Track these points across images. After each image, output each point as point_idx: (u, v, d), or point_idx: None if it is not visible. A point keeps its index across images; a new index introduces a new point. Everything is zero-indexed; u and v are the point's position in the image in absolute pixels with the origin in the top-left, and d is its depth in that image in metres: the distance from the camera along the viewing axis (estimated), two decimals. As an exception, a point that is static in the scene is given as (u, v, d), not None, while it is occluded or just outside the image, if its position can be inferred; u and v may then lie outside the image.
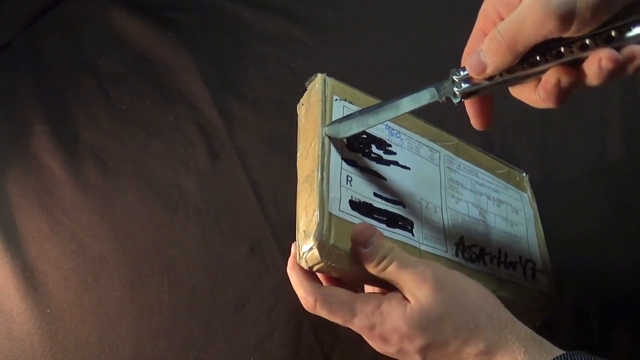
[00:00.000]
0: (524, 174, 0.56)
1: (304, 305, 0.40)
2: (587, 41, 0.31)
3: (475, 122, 0.40)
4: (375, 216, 0.41)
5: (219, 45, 0.73)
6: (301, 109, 0.47)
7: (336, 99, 0.45)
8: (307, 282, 0.40)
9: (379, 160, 0.44)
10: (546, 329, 0.45)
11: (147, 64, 0.71)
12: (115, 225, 0.59)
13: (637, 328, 0.54)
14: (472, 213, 0.47)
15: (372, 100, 0.47)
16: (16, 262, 0.56)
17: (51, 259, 0.57)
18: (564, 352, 0.36)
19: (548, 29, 0.30)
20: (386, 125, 0.47)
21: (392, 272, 0.37)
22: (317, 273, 0.40)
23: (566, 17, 0.30)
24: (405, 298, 0.38)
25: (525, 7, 0.31)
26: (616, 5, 0.30)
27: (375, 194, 0.42)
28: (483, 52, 0.34)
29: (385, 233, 0.40)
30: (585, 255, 0.58)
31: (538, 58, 0.33)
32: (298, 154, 0.44)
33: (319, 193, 0.39)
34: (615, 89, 0.69)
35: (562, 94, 0.33)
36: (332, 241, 0.37)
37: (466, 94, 0.37)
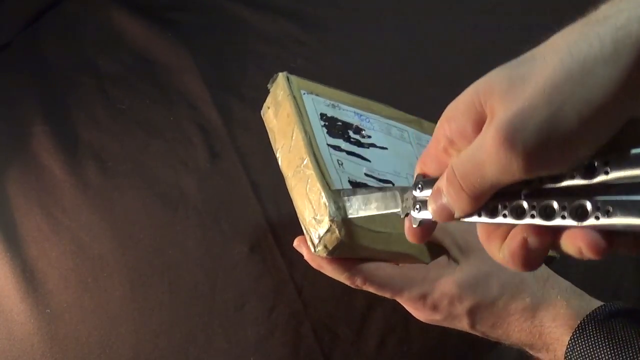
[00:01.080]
0: None
1: (350, 285, 0.40)
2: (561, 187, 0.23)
3: (411, 238, 0.32)
4: None
5: (219, 45, 0.73)
6: (268, 113, 0.48)
7: (304, 93, 0.46)
8: (346, 265, 0.39)
9: (359, 144, 0.45)
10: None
11: (147, 64, 0.70)
12: (115, 225, 0.59)
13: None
14: None
15: (337, 93, 0.49)
16: (16, 262, 0.56)
17: (51, 259, 0.57)
18: (603, 303, 0.38)
19: (513, 173, 0.23)
20: (354, 112, 0.48)
21: (437, 234, 0.39)
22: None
23: (536, 156, 0.22)
24: (450, 261, 0.39)
25: (484, 145, 0.23)
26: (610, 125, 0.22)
27: (366, 175, 0.43)
28: (444, 194, 0.27)
29: None
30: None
31: (499, 207, 0.25)
32: (278, 155, 0.45)
33: (318, 175, 0.38)
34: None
35: (531, 258, 0.25)
36: (348, 216, 0.35)
37: (423, 225, 0.30)
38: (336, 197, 0.37)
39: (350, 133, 0.45)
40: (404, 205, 0.31)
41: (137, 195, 0.61)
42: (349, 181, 0.40)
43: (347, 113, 0.44)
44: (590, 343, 0.35)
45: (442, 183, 0.27)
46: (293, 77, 0.47)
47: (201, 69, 0.69)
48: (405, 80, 0.70)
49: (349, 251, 0.38)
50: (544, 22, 0.76)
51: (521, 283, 0.38)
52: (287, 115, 0.44)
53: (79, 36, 0.73)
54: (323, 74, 0.70)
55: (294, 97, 0.44)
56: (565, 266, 0.57)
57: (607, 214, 0.22)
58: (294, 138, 0.42)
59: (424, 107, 0.68)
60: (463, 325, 0.39)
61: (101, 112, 0.67)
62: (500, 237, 0.26)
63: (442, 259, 0.40)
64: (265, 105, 0.48)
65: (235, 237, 0.58)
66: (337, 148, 0.43)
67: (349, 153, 0.43)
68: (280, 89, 0.46)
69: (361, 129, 0.46)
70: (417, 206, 0.30)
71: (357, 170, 0.42)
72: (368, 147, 0.45)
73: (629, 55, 0.21)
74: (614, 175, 0.22)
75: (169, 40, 0.72)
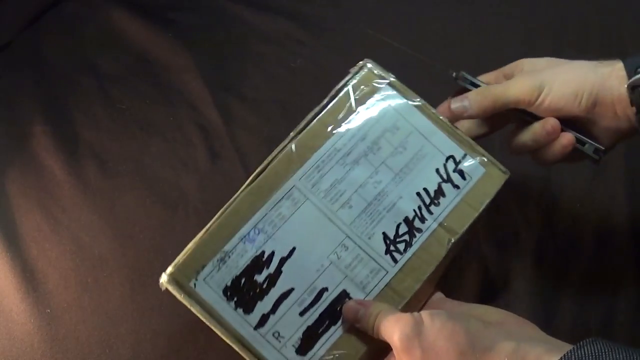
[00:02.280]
0: None
1: None
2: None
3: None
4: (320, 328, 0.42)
5: (219, 45, 0.73)
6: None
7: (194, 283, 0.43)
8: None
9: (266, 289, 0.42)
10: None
11: (147, 64, 0.70)
12: (115, 225, 0.59)
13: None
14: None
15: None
16: (16, 262, 0.56)
17: (51, 259, 0.57)
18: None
19: (525, 98, 0.45)
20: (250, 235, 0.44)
21: (380, 331, 0.38)
22: None
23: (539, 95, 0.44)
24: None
25: (517, 81, 0.46)
26: (571, 111, 0.44)
27: (301, 314, 0.42)
28: (468, 99, 0.47)
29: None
30: (582, 255, 0.58)
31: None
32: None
33: None
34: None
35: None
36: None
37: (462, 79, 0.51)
38: None
39: (257, 278, 0.42)
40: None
41: (137, 195, 0.61)
42: (301, 337, 0.41)
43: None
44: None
45: (471, 93, 0.48)
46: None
47: (201, 69, 0.69)
48: (405, 80, 0.70)
49: None
50: (544, 21, 0.76)
51: None
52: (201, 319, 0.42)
53: (79, 36, 0.73)
54: (323, 74, 0.70)
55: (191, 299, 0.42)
56: (563, 272, 0.57)
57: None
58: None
59: None
60: None
61: (101, 112, 0.67)
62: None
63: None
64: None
65: (235, 237, 0.58)
66: (262, 321, 0.41)
67: (274, 310, 0.41)
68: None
69: (262, 259, 0.42)
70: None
71: (292, 322, 0.41)
72: (274, 284, 0.42)
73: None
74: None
75: (169, 40, 0.72)
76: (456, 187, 0.45)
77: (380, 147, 0.45)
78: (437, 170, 0.45)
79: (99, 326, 0.53)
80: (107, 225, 0.59)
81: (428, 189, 0.44)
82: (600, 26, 0.74)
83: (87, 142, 0.64)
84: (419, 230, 0.43)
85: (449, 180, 0.45)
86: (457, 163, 0.45)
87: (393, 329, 0.36)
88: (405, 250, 0.43)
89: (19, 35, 0.72)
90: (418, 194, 0.44)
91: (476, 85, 0.49)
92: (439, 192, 0.44)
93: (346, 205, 0.43)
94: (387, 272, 0.42)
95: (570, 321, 0.54)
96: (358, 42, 0.74)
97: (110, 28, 0.73)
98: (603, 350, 0.32)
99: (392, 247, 0.43)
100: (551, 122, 0.45)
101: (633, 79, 0.41)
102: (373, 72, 0.47)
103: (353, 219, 0.43)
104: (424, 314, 0.36)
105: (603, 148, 0.46)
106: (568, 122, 0.45)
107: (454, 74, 0.50)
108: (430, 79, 0.73)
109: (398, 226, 0.43)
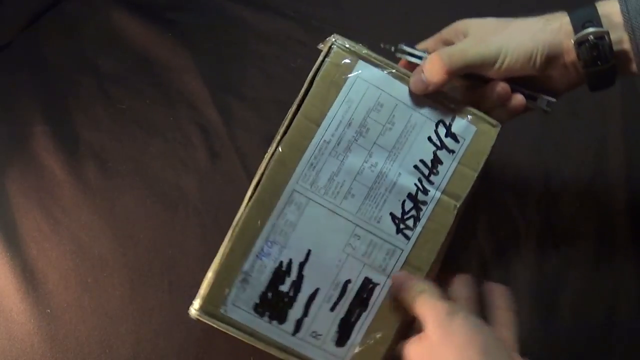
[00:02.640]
0: None
1: None
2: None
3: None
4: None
5: (219, 45, 0.73)
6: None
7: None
8: None
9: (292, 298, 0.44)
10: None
11: (147, 64, 0.70)
12: (115, 225, 0.59)
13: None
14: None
15: None
16: (16, 262, 0.56)
17: (51, 259, 0.57)
18: None
19: (485, 63, 0.43)
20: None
21: (417, 309, 0.40)
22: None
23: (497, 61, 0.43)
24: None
25: (473, 42, 0.44)
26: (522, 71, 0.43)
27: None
28: (424, 71, 0.44)
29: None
30: (582, 255, 0.58)
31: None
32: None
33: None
34: (616, 89, 0.69)
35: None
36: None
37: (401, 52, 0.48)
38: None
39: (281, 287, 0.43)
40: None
41: (137, 195, 0.61)
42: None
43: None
44: None
45: (425, 65, 0.44)
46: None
47: (201, 69, 0.69)
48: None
49: None
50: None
51: None
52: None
53: (79, 36, 0.73)
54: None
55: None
56: (563, 272, 0.57)
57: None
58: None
59: None
60: None
61: (101, 112, 0.67)
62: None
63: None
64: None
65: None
66: (298, 326, 0.43)
67: (306, 313, 0.43)
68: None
69: (283, 272, 0.44)
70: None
71: (326, 319, 0.44)
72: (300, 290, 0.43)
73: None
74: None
75: (169, 40, 0.72)
76: (451, 152, 0.44)
77: (368, 129, 0.44)
78: (430, 139, 0.44)
79: (99, 326, 0.53)
80: (107, 225, 0.59)
81: (424, 159, 0.44)
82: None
83: (87, 142, 0.64)
84: (424, 202, 0.44)
85: (443, 146, 0.44)
86: (447, 127, 0.45)
87: (431, 311, 0.38)
88: (414, 225, 0.44)
89: (19, 35, 0.72)
90: (416, 167, 0.44)
91: (419, 57, 0.46)
92: (436, 161, 0.44)
93: (348, 195, 0.43)
94: (403, 250, 0.43)
95: (570, 321, 0.54)
96: (358, 42, 0.74)
97: (110, 28, 0.73)
98: None
99: (401, 226, 0.44)
100: (502, 86, 0.44)
101: (579, 35, 0.42)
102: (343, 49, 0.44)
103: (358, 208, 0.43)
104: (460, 308, 0.39)
105: (554, 100, 0.46)
106: (518, 79, 0.45)
107: (392, 48, 0.47)
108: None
109: (403, 203, 0.44)
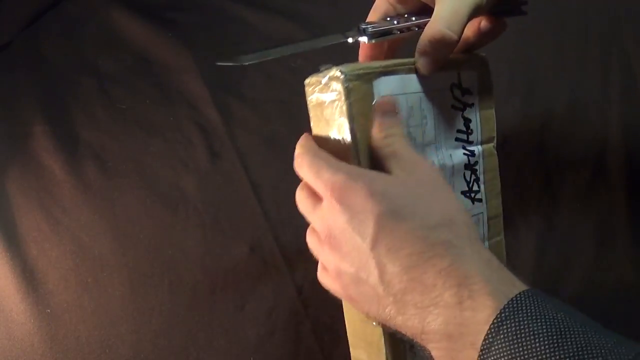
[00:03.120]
0: None
1: (296, 169, 0.39)
2: None
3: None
4: None
5: (219, 45, 0.73)
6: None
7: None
8: (308, 138, 0.40)
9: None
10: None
11: (147, 64, 0.71)
12: (115, 225, 0.59)
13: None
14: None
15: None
16: (16, 262, 0.56)
17: (51, 259, 0.57)
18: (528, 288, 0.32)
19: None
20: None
21: (396, 151, 0.36)
22: None
23: None
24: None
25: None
26: None
27: None
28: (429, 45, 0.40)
29: None
30: (582, 255, 0.58)
31: None
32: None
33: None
34: (615, 89, 0.69)
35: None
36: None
37: (377, 35, 0.43)
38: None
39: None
40: (348, 35, 0.45)
41: (137, 195, 0.61)
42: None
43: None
44: (523, 326, 0.29)
45: (429, 43, 0.40)
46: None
47: (201, 69, 0.69)
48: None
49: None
50: (544, 21, 0.76)
51: (451, 222, 0.32)
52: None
53: (79, 36, 0.73)
54: (323, 74, 0.70)
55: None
56: (563, 272, 0.57)
57: None
58: None
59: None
60: (365, 236, 0.32)
61: (101, 112, 0.67)
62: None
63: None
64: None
65: (235, 237, 0.58)
66: None
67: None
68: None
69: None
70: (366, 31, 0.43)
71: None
72: None
73: None
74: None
75: (169, 40, 0.72)
76: (472, 105, 0.45)
77: (414, 137, 0.43)
78: (453, 106, 0.44)
79: (99, 326, 0.53)
80: (107, 225, 0.59)
81: (459, 127, 0.45)
82: (600, 26, 0.74)
83: (87, 142, 0.64)
84: (475, 163, 0.45)
85: (465, 106, 0.45)
86: (459, 86, 0.45)
87: (402, 152, 0.37)
88: (479, 187, 0.45)
89: (19, 35, 0.72)
90: (457, 139, 0.45)
91: (390, 32, 0.44)
92: (467, 121, 0.45)
93: None
94: (483, 212, 0.46)
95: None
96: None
97: (110, 28, 0.73)
98: (538, 313, 0.30)
99: (472, 195, 0.45)
100: (489, 20, 0.45)
101: None
102: (356, 79, 0.39)
103: None
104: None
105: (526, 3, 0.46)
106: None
107: (358, 28, 0.44)
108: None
109: (465, 176, 0.45)
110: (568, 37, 0.74)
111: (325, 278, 0.37)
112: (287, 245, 0.58)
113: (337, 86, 0.38)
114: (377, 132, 0.37)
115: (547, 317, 0.30)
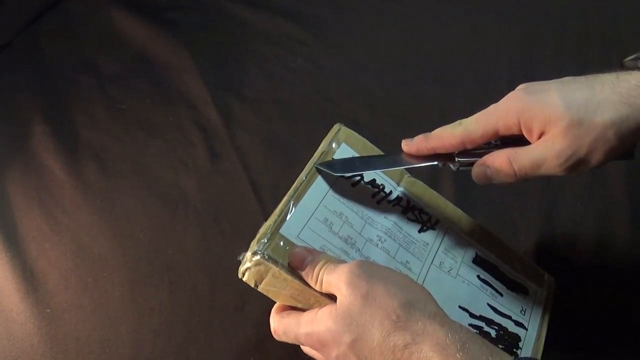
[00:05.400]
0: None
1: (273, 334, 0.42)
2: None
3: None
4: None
5: (219, 45, 0.73)
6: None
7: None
8: (274, 309, 0.42)
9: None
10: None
11: (147, 64, 0.71)
12: (115, 225, 0.59)
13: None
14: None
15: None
16: (16, 262, 0.56)
17: (51, 259, 0.57)
18: (513, 357, 0.34)
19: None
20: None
21: (326, 282, 0.38)
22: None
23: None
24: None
25: (550, 153, 0.38)
26: None
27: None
28: (491, 170, 0.41)
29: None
30: (582, 255, 0.58)
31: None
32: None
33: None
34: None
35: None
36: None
37: (465, 165, 0.43)
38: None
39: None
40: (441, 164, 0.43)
41: (137, 195, 0.61)
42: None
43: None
44: None
45: (491, 161, 0.40)
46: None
47: (201, 69, 0.69)
48: (404, 80, 0.71)
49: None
50: (544, 21, 0.76)
51: (398, 319, 0.35)
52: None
53: (79, 36, 0.73)
54: (323, 74, 0.70)
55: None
56: (563, 272, 0.57)
57: None
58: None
59: (423, 107, 0.68)
60: None
61: (101, 112, 0.67)
62: None
63: (333, 301, 0.39)
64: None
65: (235, 237, 0.58)
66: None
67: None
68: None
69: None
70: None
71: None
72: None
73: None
74: None
75: (169, 40, 0.72)
76: (360, 176, 0.46)
77: (348, 236, 0.43)
78: (352, 184, 0.45)
79: (99, 326, 0.53)
80: (107, 225, 0.59)
81: (372, 193, 0.45)
82: (601, 26, 0.74)
83: (87, 142, 0.64)
84: (407, 201, 0.46)
85: (359, 176, 0.45)
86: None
87: (342, 271, 0.37)
88: (426, 212, 0.47)
89: (19, 35, 0.72)
90: (377, 202, 0.45)
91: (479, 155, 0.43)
92: (372, 183, 0.46)
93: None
94: (448, 227, 0.47)
95: (570, 322, 0.54)
96: (358, 42, 0.75)
97: (110, 28, 0.73)
98: None
99: (429, 224, 0.46)
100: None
101: None
102: (263, 250, 0.41)
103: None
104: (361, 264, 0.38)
105: None
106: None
107: (455, 165, 0.43)
108: (430, 79, 0.72)
109: (409, 218, 0.46)
110: (568, 37, 0.74)
111: None
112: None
113: (262, 260, 0.40)
114: (310, 282, 0.39)
115: None
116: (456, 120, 0.43)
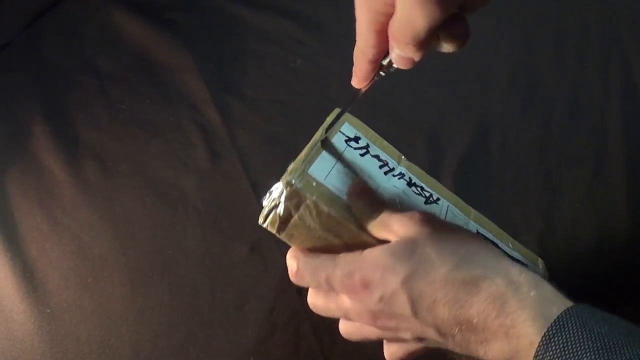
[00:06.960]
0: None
1: (290, 276, 0.39)
2: None
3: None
4: None
5: (219, 45, 0.73)
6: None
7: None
8: (295, 249, 0.40)
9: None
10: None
11: (147, 64, 0.71)
12: (115, 225, 0.59)
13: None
14: None
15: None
16: (16, 262, 0.56)
17: (51, 259, 0.57)
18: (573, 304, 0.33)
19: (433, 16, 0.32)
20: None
21: (386, 219, 0.36)
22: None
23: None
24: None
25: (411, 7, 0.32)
26: None
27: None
28: (396, 49, 0.37)
29: None
30: (582, 255, 0.58)
31: None
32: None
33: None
34: (615, 89, 0.69)
35: None
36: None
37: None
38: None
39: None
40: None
41: (137, 195, 0.61)
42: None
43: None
44: (569, 345, 0.30)
45: (391, 43, 0.35)
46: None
47: (201, 69, 0.69)
48: (403, 80, 0.70)
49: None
50: (544, 21, 0.76)
51: (467, 254, 0.34)
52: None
53: (79, 36, 0.73)
54: (323, 74, 0.70)
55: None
56: (563, 272, 0.57)
57: None
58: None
59: (423, 107, 0.68)
60: (404, 310, 0.34)
61: (101, 112, 0.67)
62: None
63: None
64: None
65: (235, 237, 0.58)
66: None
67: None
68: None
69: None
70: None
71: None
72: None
73: None
74: None
75: (169, 40, 0.72)
76: (366, 146, 0.47)
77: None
78: (360, 155, 0.46)
79: (99, 326, 0.53)
80: (107, 225, 0.59)
81: (379, 165, 0.46)
82: (601, 26, 0.74)
83: (87, 142, 0.64)
84: (409, 178, 0.46)
85: (364, 149, 0.46)
86: (349, 138, 0.46)
87: (413, 212, 0.36)
88: (428, 191, 0.46)
89: (19, 35, 0.72)
90: (385, 173, 0.46)
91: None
92: (377, 158, 0.46)
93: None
94: (448, 205, 0.47)
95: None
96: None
97: (110, 28, 0.73)
98: (581, 331, 0.30)
99: (431, 200, 0.46)
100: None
101: None
102: (294, 182, 0.41)
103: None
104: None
105: None
106: None
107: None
108: (429, 79, 0.72)
109: (414, 192, 0.46)
110: (568, 37, 0.74)
111: (392, 348, 0.39)
112: (287, 245, 0.58)
113: (297, 190, 0.40)
114: (363, 212, 0.38)
115: (591, 334, 0.31)
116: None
